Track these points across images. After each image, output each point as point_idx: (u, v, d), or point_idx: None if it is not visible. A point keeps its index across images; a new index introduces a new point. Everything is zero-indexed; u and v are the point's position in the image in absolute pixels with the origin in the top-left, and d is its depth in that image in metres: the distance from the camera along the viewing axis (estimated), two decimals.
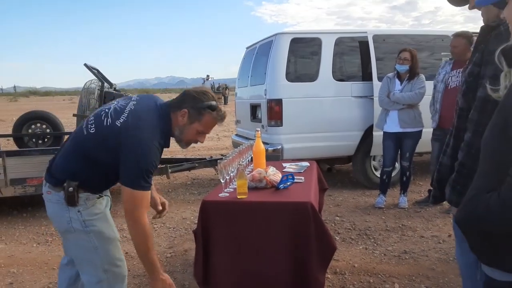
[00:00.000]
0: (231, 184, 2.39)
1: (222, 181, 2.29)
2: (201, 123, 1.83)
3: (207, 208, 2.16)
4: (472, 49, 1.67)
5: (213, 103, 1.84)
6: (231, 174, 2.37)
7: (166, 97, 2.08)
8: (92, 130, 1.75)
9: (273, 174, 2.46)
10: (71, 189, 1.70)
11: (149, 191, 1.72)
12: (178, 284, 2.79)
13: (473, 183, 1.06)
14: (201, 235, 2.13)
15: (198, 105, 1.81)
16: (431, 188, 2.28)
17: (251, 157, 2.82)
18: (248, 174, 2.44)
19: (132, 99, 1.86)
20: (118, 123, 1.70)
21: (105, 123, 1.73)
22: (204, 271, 2.11)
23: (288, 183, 2.39)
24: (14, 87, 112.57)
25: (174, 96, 2.07)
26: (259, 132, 2.75)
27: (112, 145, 1.68)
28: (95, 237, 1.78)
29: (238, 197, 2.17)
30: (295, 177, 2.55)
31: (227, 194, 2.25)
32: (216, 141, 10.85)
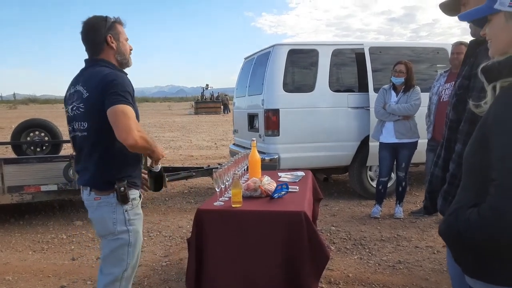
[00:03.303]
0: (226, 193, 2.42)
1: (217, 190, 2.32)
2: (122, 33, 2.06)
3: (201, 216, 2.19)
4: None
5: (107, 17, 2.03)
6: (227, 183, 2.40)
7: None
8: (83, 126, 1.91)
9: (268, 184, 2.49)
10: (122, 188, 1.90)
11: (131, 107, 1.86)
12: None
13: (456, 196, 1.09)
14: (194, 244, 2.15)
15: (108, 25, 2.00)
16: None
17: (247, 167, 2.85)
18: (243, 183, 2.47)
19: (76, 87, 1.98)
20: (85, 95, 1.90)
21: (81, 112, 1.91)
22: (196, 279, 2.13)
23: (283, 193, 2.42)
24: (14, 94, 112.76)
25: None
26: (255, 141, 2.78)
27: (100, 116, 1.83)
28: (132, 235, 1.98)
29: (233, 206, 2.20)
30: (289, 186, 2.59)
31: (222, 203, 2.28)
32: (214, 150, 10.88)
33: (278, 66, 4.95)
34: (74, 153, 2.12)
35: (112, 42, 1.99)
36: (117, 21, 2.04)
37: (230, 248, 2.14)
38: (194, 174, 5.31)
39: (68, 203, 5.28)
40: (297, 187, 2.66)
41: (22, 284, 3.06)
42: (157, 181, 2.14)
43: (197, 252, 2.16)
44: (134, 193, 1.98)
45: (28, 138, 6.56)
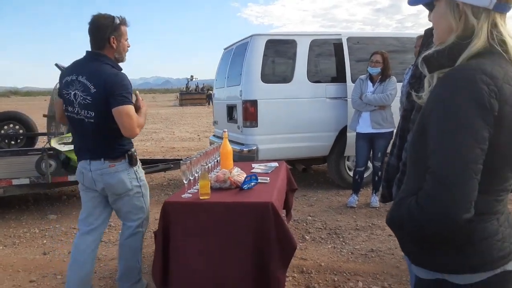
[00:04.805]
0: (195, 185, 2.40)
1: (185, 182, 2.29)
2: (124, 34, 2.36)
3: (168, 209, 2.16)
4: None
5: (115, 18, 2.32)
6: (196, 175, 2.38)
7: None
8: (89, 114, 2.26)
9: (238, 175, 2.48)
10: (131, 153, 2.39)
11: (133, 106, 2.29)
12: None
13: (402, 185, 1.10)
14: (161, 236, 2.13)
15: (113, 26, 2.29)
16: None
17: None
18: (214, 175, 2.46)
19: (78, 78, 2.27)
20: (93, 91, 2.23)
21: (87, 102, 2.24)
22: (163, 272, 2.11)
23: (252, 184, 2.41)
24: None
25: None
26: (226, 133, 2.76)
27: (106, 107, 2.21)
28: (143, 188, 2.51)
29: (201, 197, 2.18)
30: (260, 177, 2.58)
31: (190, 195, 2.26)
32: (197, 141, 10.82)
33: (256, 57, 4.92)
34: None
35: (113, 43, 2.31)
36: (122, 23, 2.35)
37: (198, 240, 2.13)
38: (172, 166, 5.27)
39: (42, 197, 5.19)
40: (268, 178, 2.66)
41: None
42: None
43: (164, 245, 2.14)
44: (137, 157, 2.48)
45: (2, 131, 6.42)
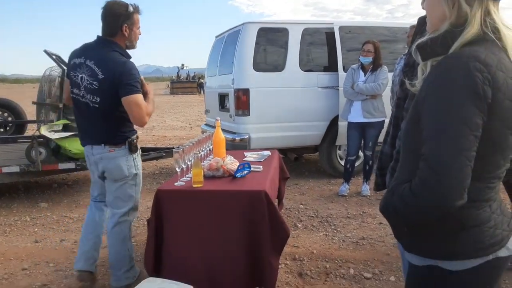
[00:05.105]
0: (188, 173, 2.40)
1: (178, 170, 2.30)
2: (136, 23, 2.38)
3: (161, 197, 2.17)
4: None
5: (129, 6, 2.33)
6: (189, 163, 2.38)
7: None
8: (95, 99, 2.29)
9: (231, 163, 2.49)
10: (131, 140, 2.42)
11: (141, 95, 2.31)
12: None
13: (395, 173, 1.11)
14: (154, 224, 2.14)
15: (126, 14, 2.30)
16: None
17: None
18: (207, 163, 2.46)
19: (87, 62, 2.30)
20: (100, 77, 2.25)
21: (94, 88, 2.27)
22: (155, 259, 2.13)
23: (245, 172, 2.43)
24: None
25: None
26: (219, 121, 2.76)
27: (112, 94, 2.25)
28: (138, 177, 2.53)
29: (194, 186, 2.19)
30: (253, 166, 2.59)
31: (183, 183, 2.26)
32: (188, 130, 10.78)
33: (248, 45, 4.89)
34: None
35: (126, 31, 2.33)
36: (136, 11, 2.36)
37: (191, 228, 2.14)
38: (164, 154, 5.26)
39: (33, 185, 5.14)
40: (261, 167, 2.67)
41: None
42: None
43: (157, 233, 2.15)
44: (137, 145, 2.52)
45: None
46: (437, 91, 0.93)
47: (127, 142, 2.42)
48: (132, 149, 2.43)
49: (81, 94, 2.33)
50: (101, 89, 2.26)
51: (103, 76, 2.25)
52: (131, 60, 2.37)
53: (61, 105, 4.69)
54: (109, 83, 2.24)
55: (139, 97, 2.27)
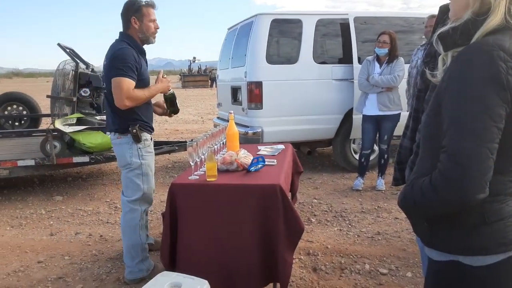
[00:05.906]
0: (202, 167, 2.37)
1: (191, 163, 2.27)
2: (147, 15, 2.50)
3: (175, 190, 2.15)
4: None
5: (137, 2, 2.47)
6: (202, 157, 2.35)
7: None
8: (104, 87, 2.60)
9: (244, 157, 2.45)
10: (134, 131, 2.50)
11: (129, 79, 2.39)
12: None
13: (415, 167, 1.07)
14: (169, 218, 2.12)
15: (134, 7, 2.47)
16: None
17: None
18: (221, 157, 2.43)
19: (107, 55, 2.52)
20: (104, 64, 2.51)
21: (103, 76, 2.72)
22: (171, 253, 2.11)
23: (259, 166, 2.39)
24: None
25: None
26: (233, 114, 2.72)
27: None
28: (144, 167, 2.59)
29: (208, 179, 2.16)
30: (267, 160, 2.55)
31: (197, 177, 2.24)
32: (200, 124, 10.79)
33: (261, 37, 4.82)
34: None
35: (135, 23, 2.49)
36: (145, 5, 2.50)
37: (205, 222, 2.12)
38: (176, 148, 5.25)
39: (48, 178, 5.20)
40: (275, 160, 2.63)
41: None
42: (172, 104, 2.87)
43: (172, 227, 2.14)
44: (146, 136, 2.60)
45: (6, 112, 6.39)
46: (458, 81, 0.88)
47: (130, 131, 2.54)
48: (135, 139, 2.53)
49: (104, 86, 2.61)
50: (106, 76, 2.49)
51: (105, 63, 2.49)
52: (129, 48, 2.44)
53: (75, 99, 4.71)
54: (107, 69, 2.44)
55: (123, 79, 2.36)
